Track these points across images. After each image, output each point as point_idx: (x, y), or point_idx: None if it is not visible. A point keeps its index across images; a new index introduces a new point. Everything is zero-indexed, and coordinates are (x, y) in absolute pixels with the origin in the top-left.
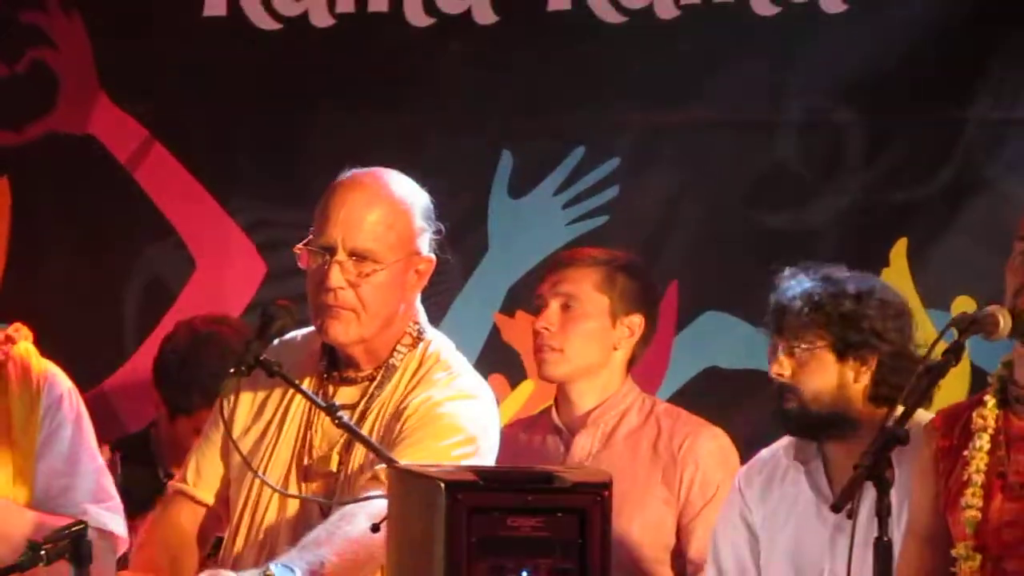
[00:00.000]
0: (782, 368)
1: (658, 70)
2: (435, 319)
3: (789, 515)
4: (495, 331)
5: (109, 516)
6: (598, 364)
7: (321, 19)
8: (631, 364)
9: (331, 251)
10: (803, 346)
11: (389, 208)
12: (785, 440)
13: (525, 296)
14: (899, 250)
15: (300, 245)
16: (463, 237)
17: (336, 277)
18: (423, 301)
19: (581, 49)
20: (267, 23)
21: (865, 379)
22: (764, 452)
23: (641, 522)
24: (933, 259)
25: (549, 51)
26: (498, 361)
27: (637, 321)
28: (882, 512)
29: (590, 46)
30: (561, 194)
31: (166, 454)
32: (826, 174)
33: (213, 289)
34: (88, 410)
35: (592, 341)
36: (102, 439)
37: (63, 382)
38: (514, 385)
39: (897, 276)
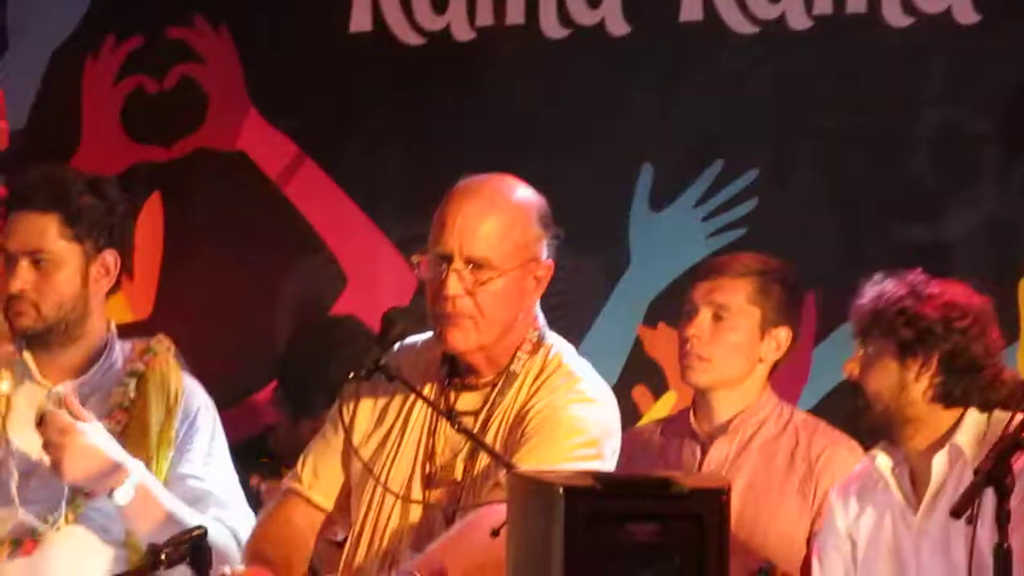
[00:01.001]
0: (852, 368)
1: (792, 81)
2: (578, 333)
3: (882, 522)
4: (638, 343)
5: (238, 520)
6: (743, 375)
7: (463, 32)
8: (772, 374)
9: (448, 259)
10: (868, 346)
11: (505, 215)
12: (876, 449)
13: (666, 309)
14: None
15: (418, 254)
16: (604, 251)
17: (454, 285)
18: (565, 316)
19: (714, 60)
20: (411, 38)
21: (926, 379)
22: (857, 465)
23: (776, 531)
24: None
25: (682, 62)
26: (641, 372)
27: (785, 335)
28: (1002, 518)
29: (722, 57)
30: (701, 207)
31: (286, 456)
32: (961, 186)
33: (364, 304)
34: (238, 423)
35: (740, 353)
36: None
37: (200, 395)
38: (657, 396)
39: None
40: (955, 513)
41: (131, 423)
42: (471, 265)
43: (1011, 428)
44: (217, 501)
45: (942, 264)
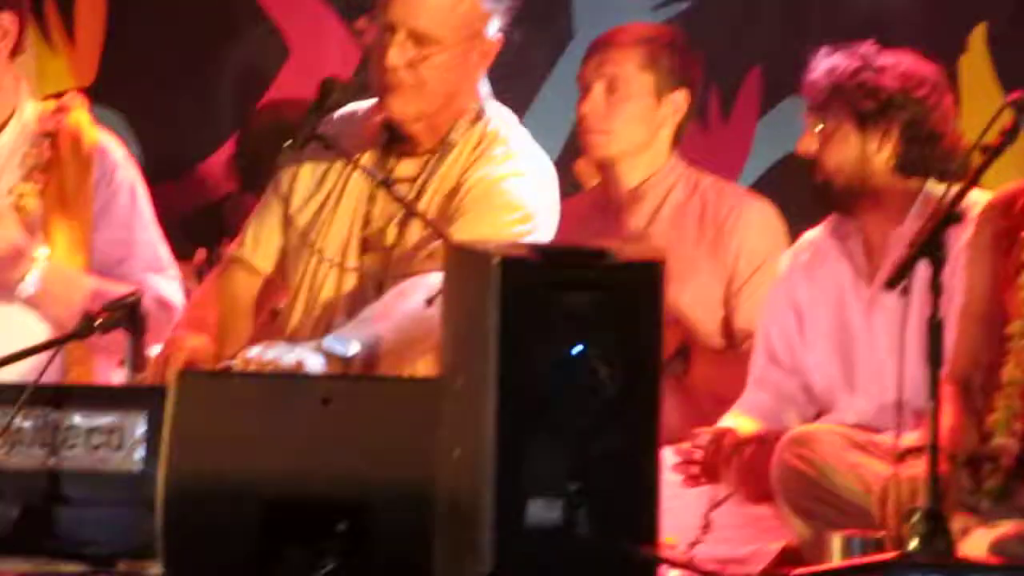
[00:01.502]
0: (808, 144)
1: None
2: (522, 106)
3: (830, 294)
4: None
5: (166, 284)
6: (644, 143)
7: None
8: (677, 139)
9: (391, 30)
10: (826, 120)
11: None
12: (828, 219)
13: None
14: (978, 35)
15: (365, 17)
16: (549, 23)
17: (395, 57)
18: (509, 88)
19: None
20: None
21: (887, 149)
22: (809, 232)
23: (690, 294)
24: (1011, 44)
25: None
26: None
27: (682, 96)
28: (935, 289)
29: None
30: None
31: (236, 228)
32: None
33: (307, 75)
34: (187, 192)
35: (638, 120)
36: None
37: (116, 151)
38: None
39: (976, 61)
40: (888, 284)
41: (49, 184)
42: (414, 37)
43: (946, 200)
44: (142, 262)
45: (887, 38)
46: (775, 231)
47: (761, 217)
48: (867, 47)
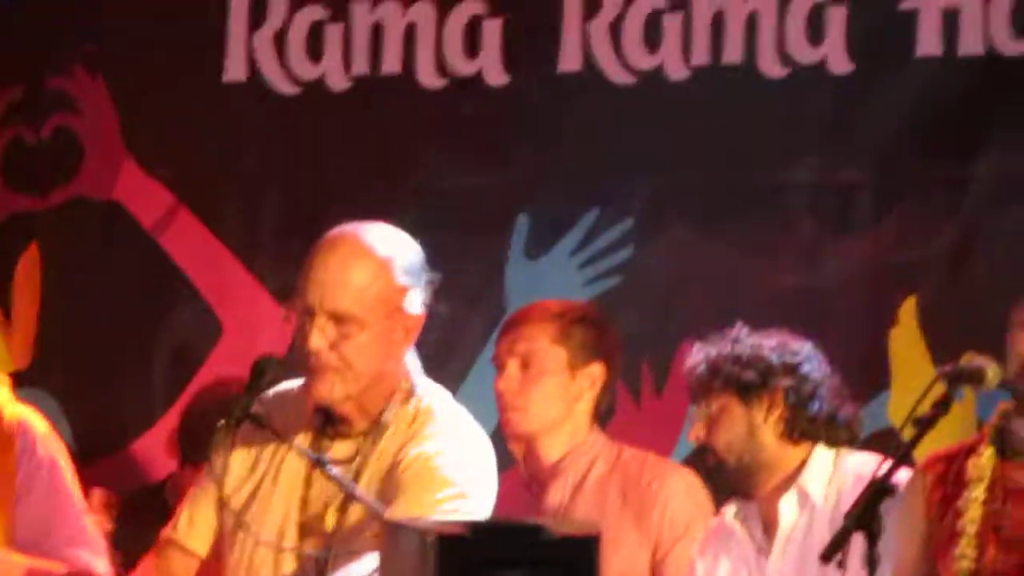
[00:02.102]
0: (698, 432)
1: (669, 131)
2: (458, 379)
3: (739, 571)
4: None
5: (90, 557)
6: (561, 418)
7: (338, 82)
8: (597, 413)
9: (311, 313)
10: (711, 404)
11: (368, 267)
12: (730, 502)
13: None
14: (908, 308)
15: (286, 306)
16: (483, 299)
17: (316, 340)
18: (445, 363)
19: (592, 110)
20: (286, 87)
21: (774, 417)
22: (714, 519)
23: (617, 564)
24: (942, 317)
25: (561, 112)
26: None
27: (598, 370)
28: (871, 563)
29: (601, 107)
30: (577, 255)
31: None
32: (835, 233)
33: (240, 354)
34: (115, 472)
35: (553, 396)
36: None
37: (38, 425)
38: None
39: (906, 334)
40: (823, 558)
41: None
42: (334, 319)
43: (878, 474)
44: (66, 536)
45: (815, 312)
46: (698, 499)
47: (684, 485)
48: (737, 330)
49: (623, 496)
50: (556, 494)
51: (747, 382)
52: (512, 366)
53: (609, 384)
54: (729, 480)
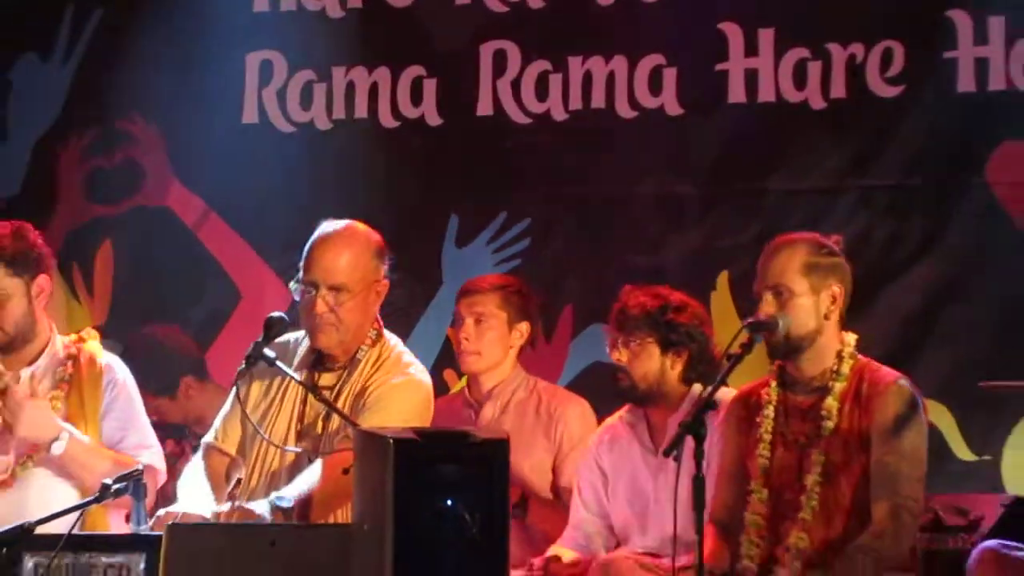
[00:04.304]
0: (621, 356)
1: (555, 157)
2: (406, 332)
3: (625, 462)
4: (447, 341)
5: (152, 456)
6: (500, 359)
7: (323, 123)
8: (520, 355)
9: (315, 287)
10: (636, 341)
11: (355, 251)
12: (623, 409)
13: None
14: (723, 280)
15: (293, 283)
16: (425, 275)
17: (321, 306)
18: (399, 320)
19: (501, 141)
20: (286, 127)
21: (679, 366)
22: (609, 419)
23: (529, 463)
24: (746, 285)
25: (479, 144)
26: (449, 360)
27: (525, 327)
28: (699, 457)
29: (507, 140)
30: (491, 244)
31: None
32: (675, 228)
33: (254, 314)
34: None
35: (497, 344)
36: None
37: (120, 369)
38: (460, 376)
39: (722, 297)
40: (665, 453)
41: (71, 392)
42: (332, 290)
43: (704, 394)
44: (137, 443)
45: (658, 282)
46: (589, 420)
47: (580, 410)
48: (663, 289)
49: (536, 415)
50: (488, 412)
51: (670, 340)
52: (469, 322)
53: (531, 336)
54: (635, 396)
